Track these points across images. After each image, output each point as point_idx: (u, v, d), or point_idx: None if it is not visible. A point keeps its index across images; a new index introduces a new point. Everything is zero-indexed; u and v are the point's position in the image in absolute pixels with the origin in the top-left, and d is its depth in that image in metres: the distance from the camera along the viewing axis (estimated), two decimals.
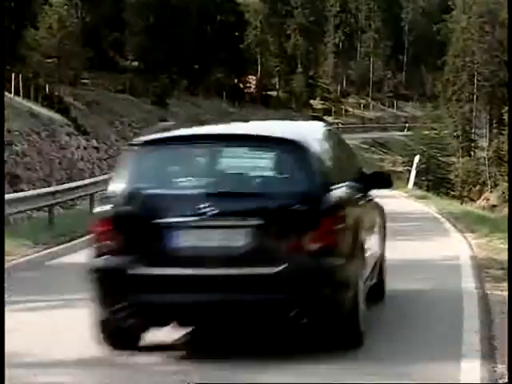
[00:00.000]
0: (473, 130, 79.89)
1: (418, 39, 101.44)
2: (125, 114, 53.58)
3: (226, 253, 5.99)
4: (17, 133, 32.34)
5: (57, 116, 40.40)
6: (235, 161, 6.59)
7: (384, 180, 7.86)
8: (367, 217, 7.31)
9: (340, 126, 71.68)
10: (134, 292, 6.03)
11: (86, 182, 20.83)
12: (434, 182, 60.85)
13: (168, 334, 6.59)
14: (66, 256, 12.60)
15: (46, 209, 16.61)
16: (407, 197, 26.90)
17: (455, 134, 77.19)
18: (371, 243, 7.28)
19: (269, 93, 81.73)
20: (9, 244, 12.09)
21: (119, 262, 6.07)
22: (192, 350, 6.59)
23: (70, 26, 52.25)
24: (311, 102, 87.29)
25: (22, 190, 25.08)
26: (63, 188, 18.12)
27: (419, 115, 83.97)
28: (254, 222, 5.97)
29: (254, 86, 79.42)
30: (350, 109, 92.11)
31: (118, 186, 6.33)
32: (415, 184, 35.75)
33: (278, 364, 6.02)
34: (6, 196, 14.97)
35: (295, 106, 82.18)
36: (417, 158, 39.84)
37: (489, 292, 8.78)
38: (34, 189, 23.23)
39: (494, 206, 58.67)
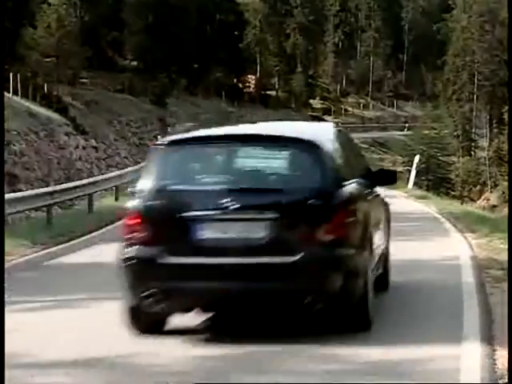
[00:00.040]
0: (473, 130, 79.90)
1: (418, 38, 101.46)
2: (124, 113, 53.56)
3: (247, 244, 6.52)
4: (15, 132, 32.29)
5: (55, 115, 40.36)
6: (254, 159, 7.06)
7: (389, 177, 8.42)
8: (374, 211, 7.79)
9: (340, 125, 71.61)
10: (162, 279, 6.56)
11: (85, 181, 20.77)
12: (434, 181, 60.81)
13: (190, 319, 7.08)
14: (65, 256, 12.61)
15: (45, 209, 16.56)
16: (407, 197, 26.86)
17: (455, 133, 77.17)
18: (378, 236, 7.76)
19: (268, 92, 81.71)
20: (7, 244, 12.08)
21: (148, 252, 6.60)
22: (213, 333, 7.09)
23: (68, 25, 52.16)
24: (311, 101, 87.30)
25: (20, 190, 25.03)
26: (61, 188, 18.06)
27: (419, 115, 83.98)
28: (272, 215, 6.50)
29: (253, 86, 79.40)
30: (350, 108, 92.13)
31: (146, 182, 6.88)
32: (415, 184, 35.68)
33: (291, 346, 6.50)
34: (5, 196, 14.90)
35: (295, 106, 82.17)
36: (417, 158, 39.77)
37: (489, 292, 8.75)
38: (32, 189, 23.18)
39: (495, 206, 58.62)
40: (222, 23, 71.28)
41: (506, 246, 11.71)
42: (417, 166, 37.55)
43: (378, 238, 7.71)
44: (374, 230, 7.40)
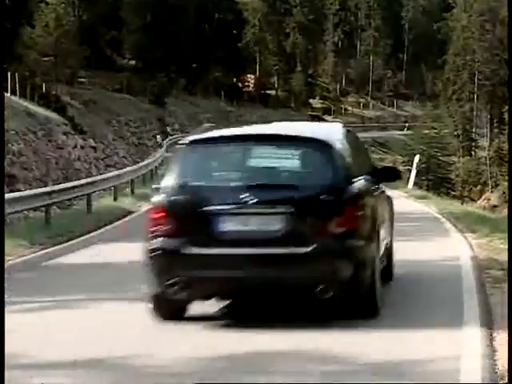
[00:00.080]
0: (473, 130, 79.91)
1: (418, 38, 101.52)
2: (122, 113, 53.56)
3: (264, 235, 7.01)
4: (13, 132, 32.22)
5: (53, 115, 40.30)
6: (269, 157, 7.55)
7: (393, 173, 9.02)
8: (381, 206, 8.34)
9: None
10: (185, 269, 7.08)
11: (83, 181, 20.70)
12: (435, 181, 60.75)
13: (208, 307, 7.63)
14: (63, 256, 12.57)
15: (43, 209, 16.49)
16: (407, 197, 26.79)
17: (456, 133, 77.15)
18: (384, 229, 8.30)
19: (267, 92, 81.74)
20: (5, 244, 11.99)
21: (172, 244, 7.11)
22: (231, 320, 7.57)
23: (66, 24, 52.14)
24: (310, 101, 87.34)
25: (19, 190, 24.94)
26: (60, 188, 17.99)
27: (419, 114, 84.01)
28: (288, 209, 7.00)
29: (252, 85, 79.44)
30: (350, 108, 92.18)
31: (169, 179, 7.37)
32: (415, 184, 35.59)
33: (305, 330, 7.01)
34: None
35: (294, 105, 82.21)
36: (417, 158, 39.66)
37: (489, 293, 8.74)
38: (31, 189, 23.10)
39: (495, 206, 58.56)
40: (220, 22, 71.30)
41: (507, 247, 11.67)
42: (417, 166, 37.47)
43: (383, 231, 8.21)
44: (380, 224, 7.90)
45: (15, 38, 44.49)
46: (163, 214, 7.19)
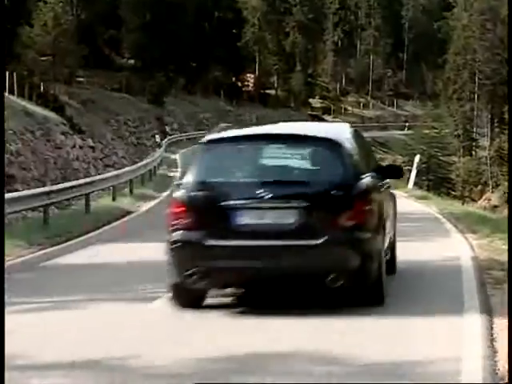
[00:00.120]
0: (474, 129, 79.90)
1: (418, 37, 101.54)
2: (121, 112, 53.52)
3: (279, 228, 7.51)
4: (11, 132, 32.14)
5: (52, 115, 40.23)
6: (283, 155, 8.03)
7: (396, 171, 9.65)
8: (386, 201, 8.88)
9: None
10: (204, 260, 7.55)
11: (81, 181, 20.64)
12: (435, 181, 60.72)
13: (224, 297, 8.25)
14: (62, 257, 12.55)
15: (41, 209, 16.42)
16: (407, 197, 26.74)
17: (456, 133, 77.14)
18: (388, 223, 8.82)
19: (267, 91, 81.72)
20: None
21: (192, 236, 7.59)
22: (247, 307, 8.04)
23: (65, 23, 52.07)
24: (310, 100, 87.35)
25: (17, 190, 24.85)
26: (58, 188, 17.90)
27: (419, 114, 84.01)
28: (301, 204, 7.51)
29: (252, 85, 79.43)
30: (350, 107, 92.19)
31: (190, 175, 7.88)
32: (415, 184, 35.51)
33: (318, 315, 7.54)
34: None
35: (294, 105, 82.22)
36: (417, 158, 39.61)
37: (490, 293, 8.73)
38: (29, 189, 23.02)
39: (496, 206, 58.48)
40: (220, 21, 71.27)
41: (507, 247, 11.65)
42: (417, 166, 37.41)
43: (388, 225, 8.76)
44: (386, 218, 8.45)
45: (14, 37, 44.47)
46: (184, 208, 7.66)
